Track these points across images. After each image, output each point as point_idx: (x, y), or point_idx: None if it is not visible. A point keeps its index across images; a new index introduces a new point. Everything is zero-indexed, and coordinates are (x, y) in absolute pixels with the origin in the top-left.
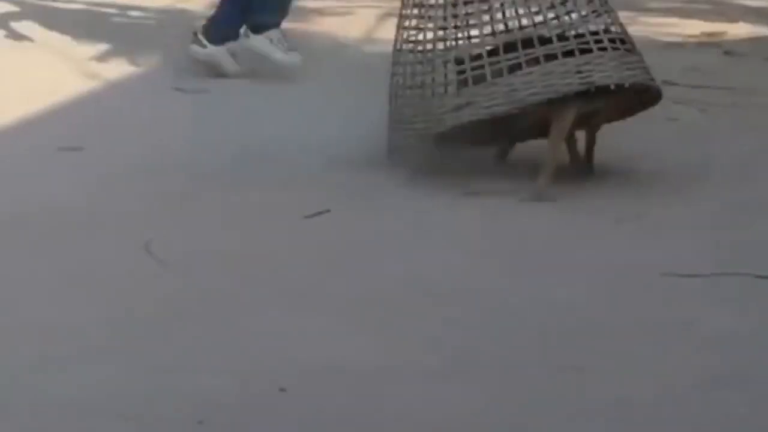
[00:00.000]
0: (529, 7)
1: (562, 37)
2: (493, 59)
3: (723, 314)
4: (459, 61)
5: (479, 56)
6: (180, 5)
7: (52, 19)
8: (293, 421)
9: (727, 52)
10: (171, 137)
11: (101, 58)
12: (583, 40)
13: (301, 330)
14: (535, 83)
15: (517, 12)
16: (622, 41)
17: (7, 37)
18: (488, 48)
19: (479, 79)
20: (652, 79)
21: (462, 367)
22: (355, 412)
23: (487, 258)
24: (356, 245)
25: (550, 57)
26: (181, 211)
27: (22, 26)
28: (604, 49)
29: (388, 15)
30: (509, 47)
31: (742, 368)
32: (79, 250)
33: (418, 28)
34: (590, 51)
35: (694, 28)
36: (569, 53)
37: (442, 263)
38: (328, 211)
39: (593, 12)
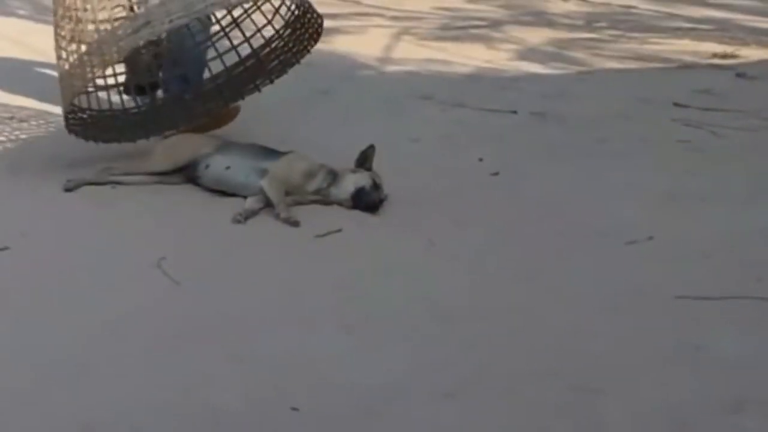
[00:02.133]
0: None
1: None
2: None
3: (736, 337)
4: None
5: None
6: None
7: None
8: None
9: (739, 75)
10: None
11: None
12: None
13: (313, 349)
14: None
15: None
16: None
17: None
18: None
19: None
20: None
21: (473, 386)
22: (367, 429)
23: (498, 279)
24: (367, 264)
25: None
26: (193, 230)
27: None
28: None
29: (401, 34)
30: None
31: (757, 392)
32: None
33: None
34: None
35: (706, 50)
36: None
37: (453, 283)
38: (340, 230)
39: None
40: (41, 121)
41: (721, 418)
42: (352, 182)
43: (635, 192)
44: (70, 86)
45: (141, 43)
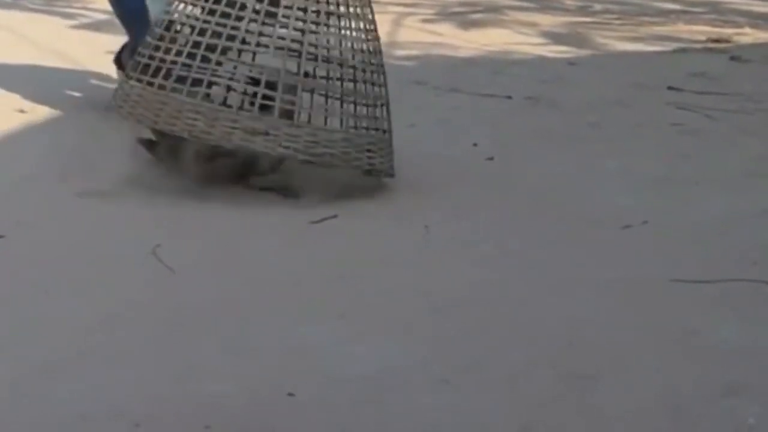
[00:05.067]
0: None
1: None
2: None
3: (732, 321)
4: (269, 85)
5: (292, 89)
6: None
7: None
8: (301, 426)
9: (733, 58)
10: None
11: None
12: (381, 114)
13: (309, 336)
14: (335, 145)
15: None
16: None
17: None
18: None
19: (286, 114)
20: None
21: (470, 375)
22: (363, 418)
23: (496, 267)
24: (363, 251)
25: (356, 125)
26: (189, 217)
27: None
28: (385, 132)
29: (400, 19)
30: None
31: (753, 377)
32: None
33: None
34: (379, 130)
35: (700, 33)
36: (368, 128)
37: (449, 271)
38: (335, 216)
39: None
40: (41, 113)
41: (717, 402)
42: None
43: (630, 176)
44: None
45: None
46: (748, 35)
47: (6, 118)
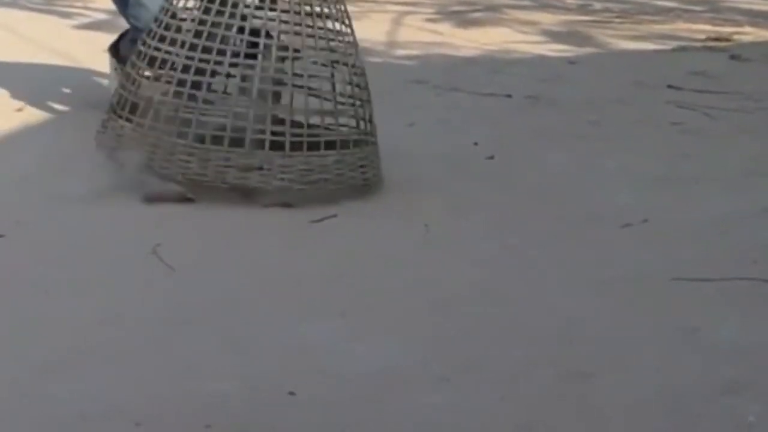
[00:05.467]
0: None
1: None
2: (296, 131)
3: (732, 319)
4: (257, 119)
5: (280, 120)
6: None
7: None
8: (301, 425)
9: (733, 57)
10: None
11: None
12: (367, 129)
13: (309, 335)
14: (329, 169)
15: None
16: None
17: None
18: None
19: (277, 146)
20: None
21: (470, 372)
22: (364, 417)
23: (496, 266)
24: (363, 250)
25: (344, 143)
26: (189, 216)
27: None
28: (374, 143)
29: (400, 19)
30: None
31: (753, 375)
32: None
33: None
34: (368, 143)
35: (700, 32)
36: (357, 143)
37: (449, 269)
38: (335, 215)
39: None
40: (40, 112)
41: (717, 401)
42: None
43: (630, 175)
44: None
45: None
46: (749, 34)
47: (5, 117)
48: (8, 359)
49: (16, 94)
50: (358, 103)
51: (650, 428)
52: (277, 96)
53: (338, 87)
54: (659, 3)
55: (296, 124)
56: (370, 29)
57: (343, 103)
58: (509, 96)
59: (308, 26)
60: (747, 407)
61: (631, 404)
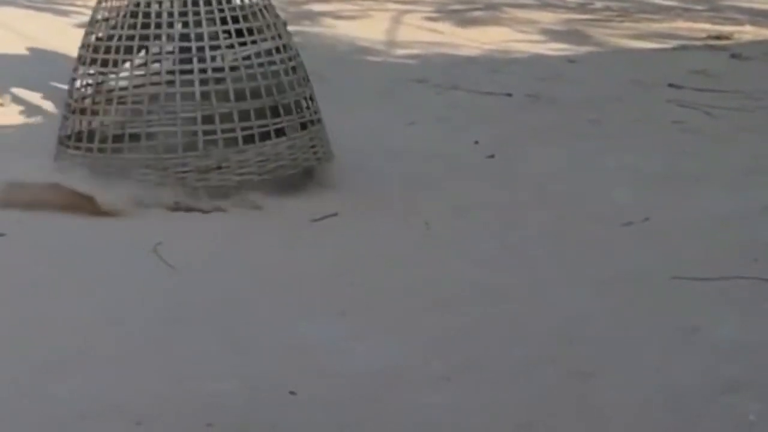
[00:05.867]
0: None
1: (297, 104)
2: (245, 124)
3: (733, 318)
4: (206, 119)
5: (228, 116)
6: None
7: None
8: (302, 424)
9: (733, 56)
10: None
11: None
12: (310, 110)
13: (310, 335)
14: (283, 156)
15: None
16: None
17: None
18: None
19: (230, 143)
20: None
21: (471, 371)
22: (364, 416)
23: (496, 264)
24: (363, 249)
25: (292, 128)
26: (190, 215)
27: None
28: (319, 120)
29: (399, 18)
30: (259, 113)
31: (754, 374)
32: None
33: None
34: (313, 123)
35: (700, 31)
36: (304, 125)
37: (450, 268)
38: (336, 214)
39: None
40: (37, 108)
41: (717, 399)
42: None
43: (630, 173)
44: None
45: None
46: (749, 33)
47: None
48: (8, 359)
49: (13, 92)
50: (298, 86)
51: (650, 427)
52: (222, 94)
53: (280, 75)
54: (660, 2)
55: (243, 116)
56: (369, 28)
57: (284, 90)
58: (509, 95)
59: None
60: (747, 406)
61: (631, 403)
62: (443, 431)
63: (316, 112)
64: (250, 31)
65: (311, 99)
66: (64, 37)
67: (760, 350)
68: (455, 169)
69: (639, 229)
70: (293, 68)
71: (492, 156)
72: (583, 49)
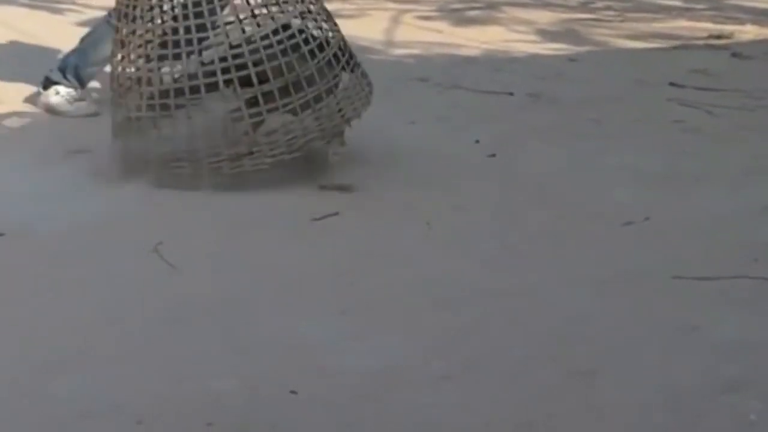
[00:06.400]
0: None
1: (321, 72)
2: (270, 105)
3: (733, 318)
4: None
5: (254, 101)
6: None
7: None
8: (302, 423)
9: (734, 55)
10: None
11: None
12: (334, 71)
13: (310, 334)
14: (310, 129)
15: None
16: (350, 55)
17: None
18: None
19: (257, 126)
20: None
21: (471, 370)
22: (364, 415)
23: (496, 263)
24: (364, 248)
25: (317, 98)
26: (190, 213)
27: None
28: (351, 71)
29: (399, 17)
30: (282, 92)
31: (754, 373)
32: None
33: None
34: (338, 85)
35: (701, 30)
36: (329, 90)
37: (451, 267)
38: (336, 213)
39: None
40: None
41: (717, 399)
42: None
43: (631, 172)
44: None
45: None
46: (750, 32)
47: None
48: (9, 359)
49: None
50: (320, 52)
51: (651, 426)
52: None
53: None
54: (660, 1)
55: (268, 98)
56: (369, 27)
57: (306, 62)
58: (511, 94)
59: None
60: (748, 405)
61: (631, 403)
62: (443, 431)
63: (344, 67)
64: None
65: (342, 49)
66: (64, 36)
67: (760, 350)
68: (456, 169)
69: (639, 229)
70: (324, 28)
71: (493, 155)
72: (584, 49)
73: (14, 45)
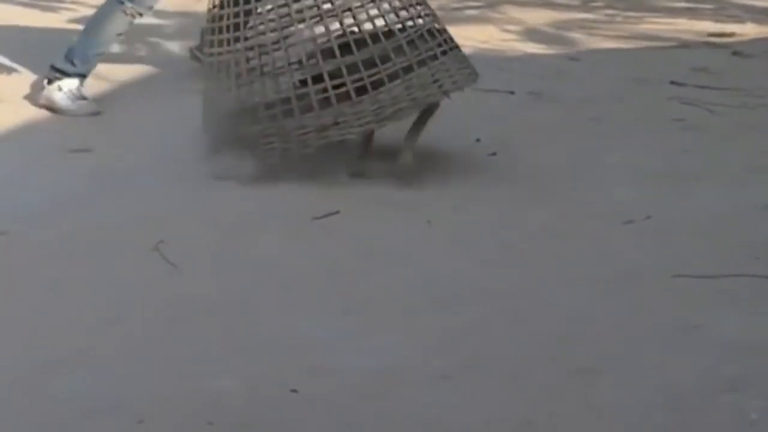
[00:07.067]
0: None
1: (411, 44)
2: (355, 76)
3: (734, 316)
4: (315, 79)
5: (338, 73)
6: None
7: None
8: (303, 422)
9: (735, 53)
10: (180, 137)
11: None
12: (428, 45)
13: (311, 333)
14: (400, 98)
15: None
16: (449, 39)
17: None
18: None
19: (343, 97)
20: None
21: (471, 370)
22: (365, 414)
23: (497, 262)
24: (365, 247)
25: (407, 69)
26: (192, 213)
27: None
28: (444, 53)
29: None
30: (367, 63)
31: (755, 372)
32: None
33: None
34: (436, 57)
35: (702, 28)
36: (421, 62)
37: (451, 266)
38: (337, 212)
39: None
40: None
41: (718, 398)
42: None
43: (632, 171)
44: None
45: None
46: (750, 30)
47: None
48: (10, 358)
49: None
50: (411, 25)
51: (651, 425)
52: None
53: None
54: (661, 0)
55: (352, 69)
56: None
57: (393, 35)
58: (512, 92)
59: None
60: (748, 404)
61: (631, 402)
62: (443, 431)
63: (441, 45)
64: None
65: (438, 32)
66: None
67: (761, 348)
68: (457, 167)
69: (640, 227)
70: (419, 3)
71: (494, 154)
72: (584, 47)
73: (13, 43)
